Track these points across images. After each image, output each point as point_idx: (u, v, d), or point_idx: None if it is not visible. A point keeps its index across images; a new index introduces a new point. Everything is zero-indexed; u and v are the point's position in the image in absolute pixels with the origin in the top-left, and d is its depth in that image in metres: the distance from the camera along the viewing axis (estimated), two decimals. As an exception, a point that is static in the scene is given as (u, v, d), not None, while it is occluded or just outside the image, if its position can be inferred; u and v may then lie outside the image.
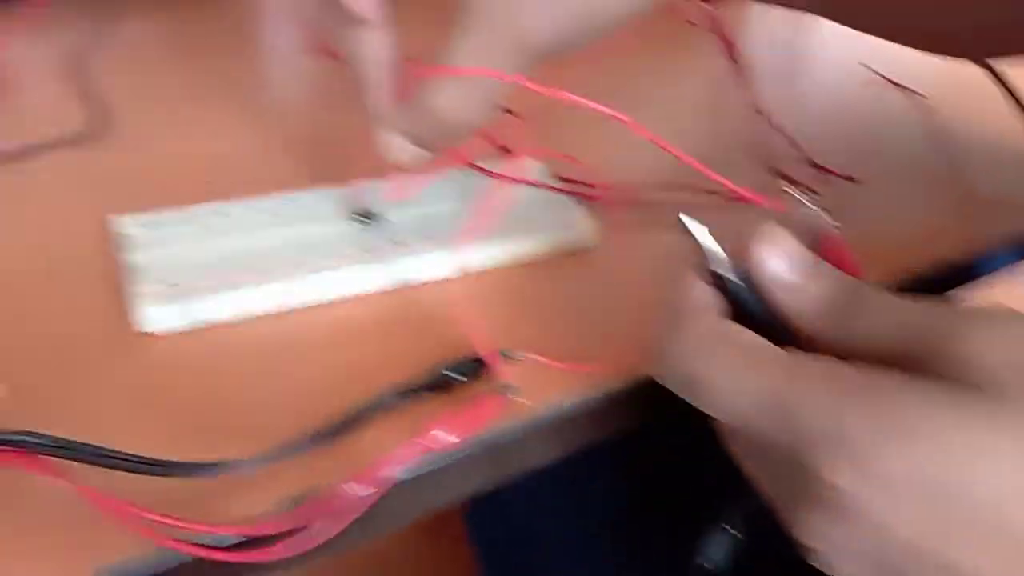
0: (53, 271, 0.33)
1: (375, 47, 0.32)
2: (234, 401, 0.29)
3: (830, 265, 0.26)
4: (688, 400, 0.25)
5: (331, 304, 0.33)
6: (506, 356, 0.30)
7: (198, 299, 0.31)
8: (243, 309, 0.32)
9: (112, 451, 0.24)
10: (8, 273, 0.32)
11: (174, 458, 0.25)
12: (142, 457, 0.24)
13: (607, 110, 0.29)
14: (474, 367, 0.30)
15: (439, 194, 0.38)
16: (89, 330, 0.30)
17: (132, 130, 0.40)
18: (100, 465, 0.24)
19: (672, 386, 0.26)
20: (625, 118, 0.29)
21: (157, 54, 0.47)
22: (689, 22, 0.59)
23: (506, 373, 0.30)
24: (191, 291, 0.31)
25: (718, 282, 0.26)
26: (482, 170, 0.38)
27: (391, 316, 0.33)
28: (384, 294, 0.34)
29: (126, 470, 0.24)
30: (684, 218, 0.26)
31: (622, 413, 0.32)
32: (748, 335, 0.25)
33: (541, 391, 0.30)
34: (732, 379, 0.24)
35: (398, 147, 0.32)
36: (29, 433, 0.23)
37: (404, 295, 0.34)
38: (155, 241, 0.33)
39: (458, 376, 0.30)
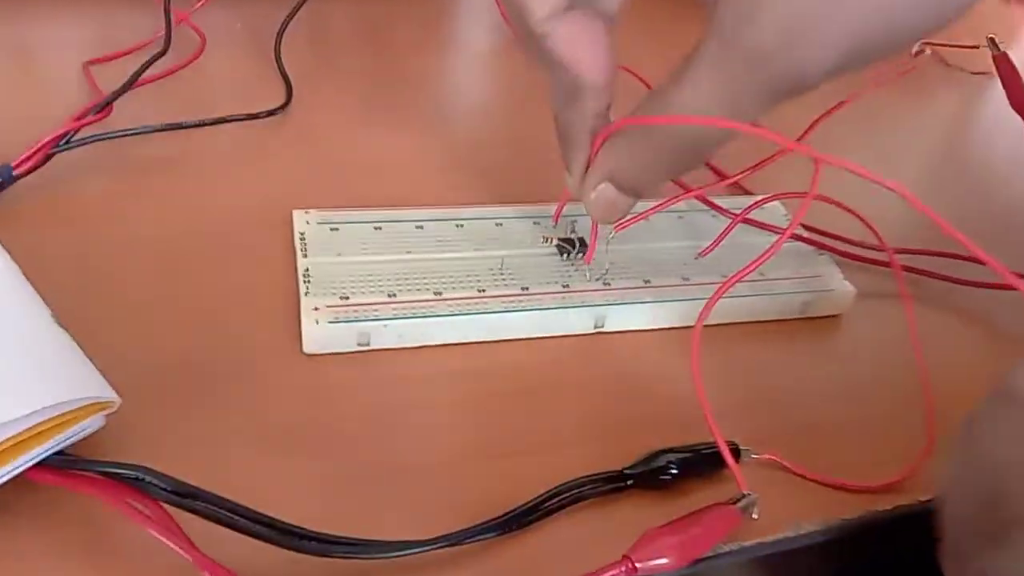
0: (222, 258, 0.28)
1: (589, 114, 0.25)
2: (397, 456, 0.23)
3: None
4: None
5: (517, 343, 0.27)
6: (739, 453, 0.23)
7: (370, 318, 0.26)
8: (417, 335, 0.26)
9: (252, 512, 0.19)
10: (171, 251, 0.28)
11: (326, 529, 0.19)
12: (291, 526, 0.19)
13: (878, 178, 0.22)
14: (700, 461, 0.23)
15: (660, 229, 0.31)
16: (246, 341, 0.26)
17: (313, 116, 0.36)
18: (229, 526, 0.18)
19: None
20: (899, 188, 0.22)
21: (346, 38, 0.43)
22: (944, 62, 0.51)
23: (740, 480, 0.23)
24: (363, 308, 0.26)
25: None
26: (716, 207, 0.31)
27: (590, 371, 0.27)
28: (581, 339, 0.28)
29: (265, 539, 0.19)
30: None
31: (866, 547, 0.24)
32: None
33: (773, 507, 0.23)
34: None
35: (602, 197, 0.26)
36: (146, 469, 0.18)
37: (605, 345, 0.28)
38: (330, 244, 0.28)
39: (673, 468, 0.23)
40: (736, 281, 0.25)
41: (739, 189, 0.35)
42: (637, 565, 0.20)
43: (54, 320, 0.21)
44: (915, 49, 0.45)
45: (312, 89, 0.38)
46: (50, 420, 0.19)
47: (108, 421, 0.20)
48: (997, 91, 0.45)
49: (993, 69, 0.43)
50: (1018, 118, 0.40)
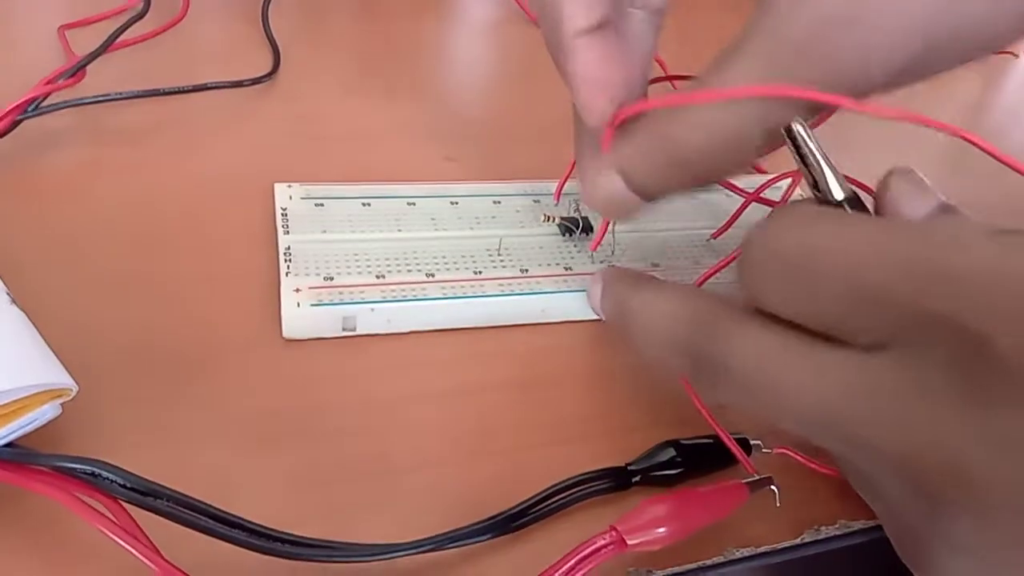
0: (196, 235, 0.26)
1: (602, 64, 0.21)
2: (383, 452, 0.21)
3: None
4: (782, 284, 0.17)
5: (513, 328, 0.25)
6: (748, 446, 0.22)
7: (356, 300, 0.24)
8: (407, 320, 0.24)
9: (219, 511, 0.17)
10: (141, 226, 0.26)
11: (303, 531, 0.17)
12: (261, 527, 0.17)
13: (953, 128, 0.20)
14: (708, 455, 0.21)
15: (671, 208, 0.29)
16: (220, 324, 0.24)
17: (301, 84, 0.34)
18: (193, 527, 0.17)
19: (767, 270, 0.18)
20: (974, 137, 0.20)
21: (338, 3, 0.41)
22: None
23: (748, 464, 0.21)
24: (349, 290, 0.24)
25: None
26: (730, 186, 0.29)
27: (590, 359, 0.25)
28: (583, 326, 0.26)
29: (233, 542, 0.17)
30: (797, 126, 0.18)
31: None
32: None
33: (788, 503, 0.21)
34: (868, 243, 0.16)
35: (606, 189, 0.22)
36: (103, 464, 0.17)
37: (609, 332, 0.26)
38: (315, 221, 0.26)
39: (679, 460, 0.21)
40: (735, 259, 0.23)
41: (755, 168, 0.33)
42: (626, 537, 0.18)
43: (8, 298, 0.20)
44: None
45: (301, 56, 0.36)
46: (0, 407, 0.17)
47: (64, 410, 0.18)
48: (1019, 72, 0.43)
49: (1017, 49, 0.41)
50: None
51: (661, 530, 0.18)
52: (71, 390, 0.18)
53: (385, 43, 0.39)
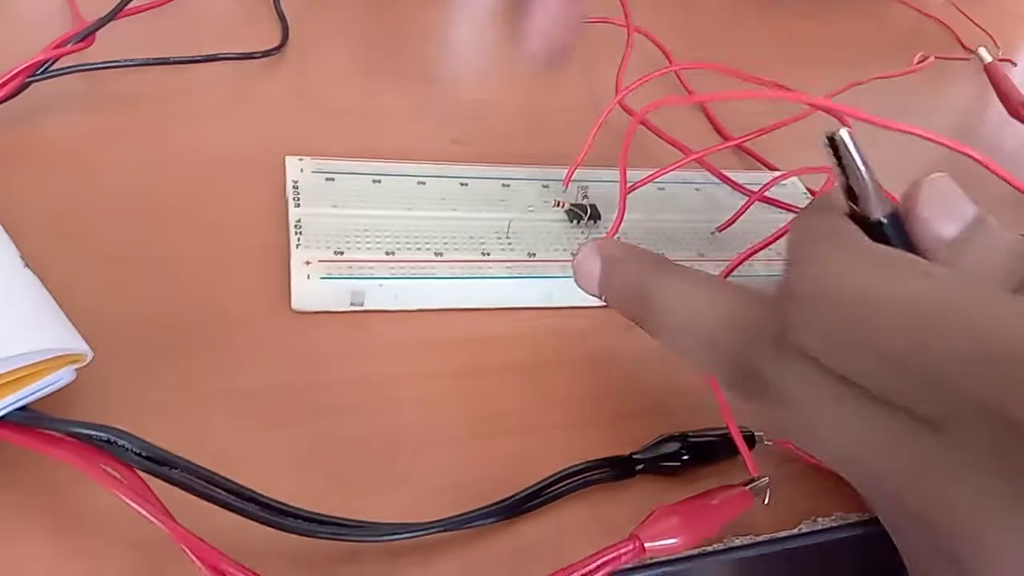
0: (207, 204, 0.26)
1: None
2: (390, 430, 0.21)
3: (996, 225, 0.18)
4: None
5: (519, 311, 0.25)
6: (751, 438, 0.22)
7: (365, 275, 0.24)
8: (415, 298, 0.24)
9: (234, 484, 0.17)
10: (151, 195, 0.26)
11: (308, 506, 0.18)
12: (275, 501, 0.17)
13: (953, 143, 0.20)
14: (711, 448, 0.22)
15: (676, 200, 0.30)
16: (230, 295, 0.24)
17: (310, 59, 0.34)
18: (208, 498, 0.17)
19: (817, 312, 0.16)
20: (976, 154, 0.20)
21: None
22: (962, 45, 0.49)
23: (751, 465, 0.21)
24: (359, 264, 0.24)
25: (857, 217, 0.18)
26: (731, 183, 0.29)
27: (596, 344, 0.25)
28: (590, 312, 0.26)
29: (246, 515, 0.17)
30: (844, 135, 0.17)
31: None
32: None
33: (787, 498, 0.21)
34: (926, 314, 0.15)
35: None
36: (119, 431, 0.17)
37: (613, 318, 0.26)
38: (325, 195, 0.26)
39: (684, 454, 0.22)
40: (749, 257, 0.24)
41: (757, 163, 0.34)
42: (646, 544, 0.19)
43: (23, 263, 0.20)
44: (916, 58, 0.44)
45: (310, 30, 0.35)
46: (16, 371, 0.17)
47: (78, 376, 0.19)
48: (1017, 78, 0.44)
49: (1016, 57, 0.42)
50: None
51: (675, 540, 0.19)
52: (86, 356, 0.18)
53: (394, 23, 0.38)
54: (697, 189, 0.30)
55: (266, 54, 0.33)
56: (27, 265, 0.20)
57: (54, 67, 0.28)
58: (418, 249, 0.25)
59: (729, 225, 0.29)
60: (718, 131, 0.36)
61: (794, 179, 0.31)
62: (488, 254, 0.26)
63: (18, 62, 0.27)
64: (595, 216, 0.28)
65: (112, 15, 0.30)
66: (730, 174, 0.31)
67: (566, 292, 0.26)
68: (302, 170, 0.27)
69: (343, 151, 0.28)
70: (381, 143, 0.30)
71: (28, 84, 0.27)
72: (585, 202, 0.28)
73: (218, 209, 0.26)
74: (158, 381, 0.21)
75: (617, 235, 0.27)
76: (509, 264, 0.26)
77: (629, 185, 0.26)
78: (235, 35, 0.34)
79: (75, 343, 0.18)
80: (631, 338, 0.25)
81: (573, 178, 0.29)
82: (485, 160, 0.30)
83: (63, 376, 0.18)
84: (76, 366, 0.18)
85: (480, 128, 0.32)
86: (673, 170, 0.28)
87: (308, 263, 0.24)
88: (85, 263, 0.23)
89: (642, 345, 0.25)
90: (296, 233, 0.24)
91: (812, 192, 0.31)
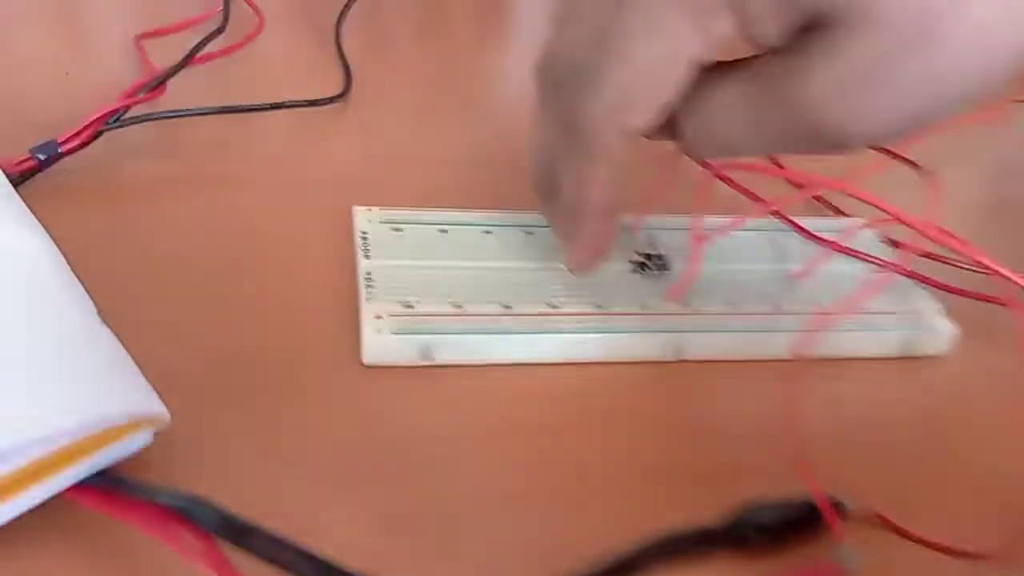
0: (276, 254, 0.26)
1: (604, 188, 0.23)
2: (459, 489, 0.21)
3: None
4: None
5: (589, 367, 0.25)
6: (841, 508, 0.21)
7: (436, 330, 0.24)
8: (484, 351, 0.24)
9: (313, 555, 0.17)
10: (221, 245, 0.26)
11: (382, 572, 0.17)
12: (351, 571, 0.17)
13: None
14: (794, 516, 0.21)
15: (745, 248, 0.29)
16: (301, 349, 0.23)
17: (373, 106, 0.34)
18: (287, 569, 0.16)
19: None
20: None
21: (405, 26, 0.41)
22: None
23: (841, 535, 0.21)
24: (428, 319, 0.24)
25: None
26: (801, 229, 0.29)
27: (670, 403, 0.25)
28: (659, 367, 0.25)
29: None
30: None
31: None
32: None
33: (877, 570, 0.21)
34: None
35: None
36: (197, 499, 0.16)
37: (683, 374, 0.25)
38: (394, 246, 0.26)
39: (770, 526, 0.21)
40: (840, 315, 0.23)
41: (826, 208, 0.33)
42: None
43: (100, 319, 0.20)
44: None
45: (372, 75, 0.36)
46: (96, 436, 0.17)
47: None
48: None
49: None
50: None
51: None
52: (164, 419, 0.18)
53: (451, 66, 0.38)
54: (766, 236, 0.30)
55: (331, 100, 0.33)
56: (104, 322, 0.20)
57: (126, 115, 0.28)
58: (487, 302, 0.25)
59: (804, 274, 0.28)
60: (784, 175, 0.35)
61: (867, 228, 0.30)
62: (556, 307, 0.25)
63: (85, 105, 0.28)
64: (664, 266, 0.27)
65: (182, 64, 0.30)
66: (799, 220, 0.30)
67: (635, 346, 0.25)
68: (370, 220, 0.27)
69: (409, 199, 0.28)
70: (446, 189, 0.30)
71: (101, 132, 0.28)
72: (652, 251, 0.28)
73: (286, 258, 0.26)
74: (231, 440, 0.21)
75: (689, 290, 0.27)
76: (577, 317, 0.25)
77: (704, 234, 0.25)
78: (300, 81, 0.34)
79: (155, 406, 0.18)
80: (701, 394, 0.25)
81: (641, 226, 0.28)
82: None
83: (141, 439, 0.18)
84: (154, 429, 0.18)
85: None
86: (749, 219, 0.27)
87: (379, 317, 0.23)
88: (153, 312, 0.23)
89: (715, 403, 0.25)
90: (367, 287, 0.24)
91: (892, 242, 0.30)
